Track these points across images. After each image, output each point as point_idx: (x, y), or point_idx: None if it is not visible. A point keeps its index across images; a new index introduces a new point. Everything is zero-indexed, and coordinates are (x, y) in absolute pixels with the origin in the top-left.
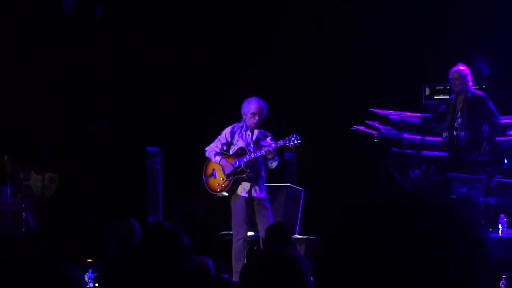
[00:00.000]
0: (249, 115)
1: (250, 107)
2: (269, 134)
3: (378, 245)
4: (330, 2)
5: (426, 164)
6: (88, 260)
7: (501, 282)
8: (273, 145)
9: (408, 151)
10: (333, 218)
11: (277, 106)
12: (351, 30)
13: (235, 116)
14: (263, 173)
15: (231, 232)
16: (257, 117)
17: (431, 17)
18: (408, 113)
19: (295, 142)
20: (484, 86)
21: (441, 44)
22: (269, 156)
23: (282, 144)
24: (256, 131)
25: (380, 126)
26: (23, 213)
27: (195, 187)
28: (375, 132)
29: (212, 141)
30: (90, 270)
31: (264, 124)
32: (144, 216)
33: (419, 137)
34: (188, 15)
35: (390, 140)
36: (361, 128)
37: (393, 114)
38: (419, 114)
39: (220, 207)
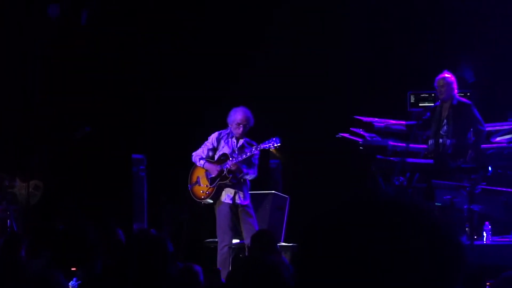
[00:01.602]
0: (234, 125)
1: (236, 117)
2: (254, 144)
3: (351, 253)
4: (316, 9)
5: (410, 172)
6: (72, 269)
7: None
8: (253, 149)
9: (393, 159)
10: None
11: (262, 112)
12: (337, 37)
13: (221, 123)
14: (247, 181)
15: (216, 240)
16: (241, 128)
17: (416, 24)
18: (393, 121)
19: (275, 145)
20: (468, 94)
21: (426, 51)
22: (238, 171)
23: (263, 147)
24: (241, 140)
25: (365, 134)
26: (8, 221)
27: (180, 194)
28: (360, 140)
29: (197, 148)
30: (74, 279)
31: (249, 130)
32: (130, 223)
33: (404, 145)
34: (175, 23)
35: (375, 147)
36: (346, 135)
37: (378, 122)
38: (404, 122)
39: (205, 215)
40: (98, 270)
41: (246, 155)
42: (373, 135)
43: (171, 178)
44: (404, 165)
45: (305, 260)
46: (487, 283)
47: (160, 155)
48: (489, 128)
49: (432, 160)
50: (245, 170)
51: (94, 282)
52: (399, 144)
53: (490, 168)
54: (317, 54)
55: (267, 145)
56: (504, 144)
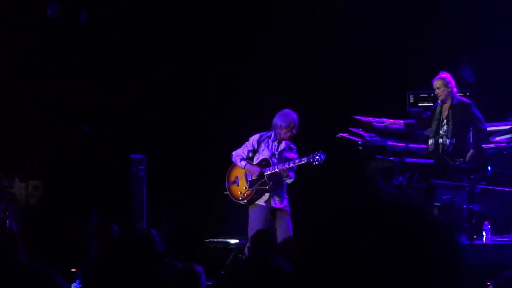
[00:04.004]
0: (286, 128)
1: (289, 122)
2: (294, 147)
3: (351, 254)
4: (314, 9)
5: (410, 171)
6: (72, 270)
7: None
8: (296, 161)
9: (393, 158)
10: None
11: (262, 113)
12: (335, 37)
13: (222, 124)
14: (284, 183)
15: (216, 240)
16: (294, 130)
17: (415, 24)
18: (392, 120)
19: (319, 161)
20: (468, 93)
21: (425, 51)
22: (284, 174)
23: (305, 161)
24: (283, 142)
25: (365, 134)
26: (7, 221)
27: (179, 193)
28: (359, 140)
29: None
30: (77, 281)
31: (250, 129)
32: (129, 223)
33: (403, 144)
34: (173, 25)
35: (375, 147)
36: (346, 135)
37: (377, 121)
38: (403, 121)
39: (204, 215)
40: (95, 271)
41: (293, 163)
42: (373, 135)
43: (170, 178)
44: (404, 165)
45: (306, 265)
46: (488, 283)
47: (159, 155)
48: (489, 127)
49: (431, 160)
50: (290, 174)
51: (91, 282)
52: (399, 144)
53: (489, 168)
54: (316, 54)
55: (311, 160)
56: (504, 144)
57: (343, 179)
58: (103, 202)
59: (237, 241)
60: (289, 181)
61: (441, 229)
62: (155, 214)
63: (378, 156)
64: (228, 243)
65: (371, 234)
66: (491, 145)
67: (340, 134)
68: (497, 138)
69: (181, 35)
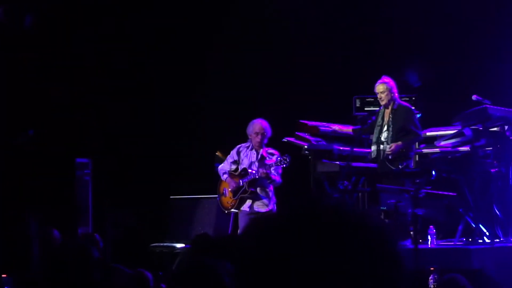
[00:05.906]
0: (253, 135)
1: (254, 127)
2: (275, 153)
3: (288, 262)
4: (260, 14)
5: (356, 176)
6: (3, 275)
7: (430, 278)
8: (268, 166)
9: (339, 163)
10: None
11: (209, 118)
12: (281, 42)
13: (166, 128)
14: (268, 189)
15: (162, 244)
16: (259, 137)
17: (361, 29)
18: (339, 126)
19: (286, 162)
20: (413, 98)
21: (372, 56)
22: (266, 177)
23: (274, 164)
24: (261, 150)
25: (311, 138)
26: None
27: (125, 198)
28: (305, 144)
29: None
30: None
31: (198, 134)
32: (74, 228)
33: (349, 149)
34: (118, 27)
35: (321, 151)
36: (292, 139)
37: (323, 126)
38: (351, 127)
39: (150, 219)
40: (33, 277)
41: (265, 168)
42: (319, 139)
43: (116, 182)
44: (349, 169)
45: (245, 274)
46: (431, 268)
47: (105, 159)
48: (434, 132)
49: (377, 164)
50: (272, 177)
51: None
52: (345, 148)
53: (434, 172)
54: (262, 59)
55: (279, 164)
56: (449, 149)
57: (289, 184)
58: (47, 206)
59: (182, 245)
60: (274, 184)
61: (381, 235)
62: (100, 218)
63: (324, 160)
64: (174, 247)
65: (309, 241)
66: (436, 150)
67: (286, 138)
68: (442, 143)
69: (121, 37)
